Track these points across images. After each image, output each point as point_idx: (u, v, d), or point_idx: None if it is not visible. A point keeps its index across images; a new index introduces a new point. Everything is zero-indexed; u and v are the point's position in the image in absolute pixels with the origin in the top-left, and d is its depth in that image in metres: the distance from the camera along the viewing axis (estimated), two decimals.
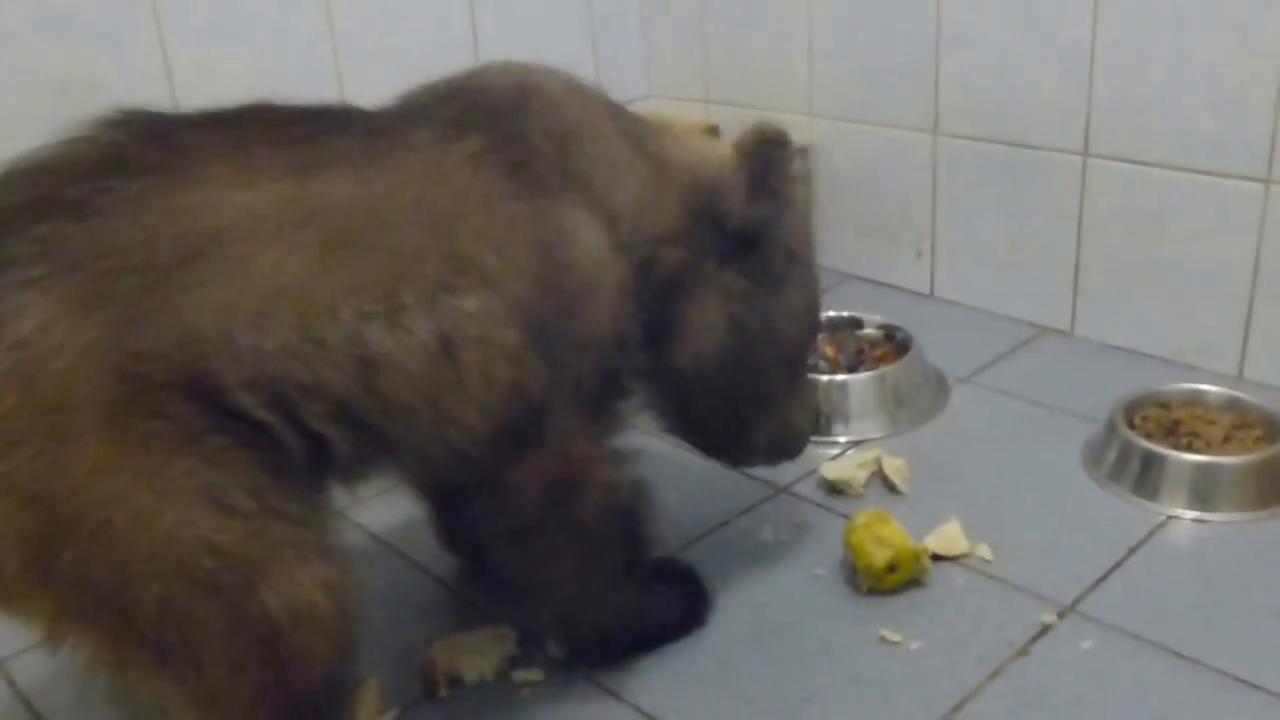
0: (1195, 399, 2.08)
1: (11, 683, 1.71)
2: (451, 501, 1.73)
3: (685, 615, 1.71)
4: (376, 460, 1.36)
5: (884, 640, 1.65)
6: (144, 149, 1.22)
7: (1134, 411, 2.05)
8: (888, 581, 1.72)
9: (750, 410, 1.71)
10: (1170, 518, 1.86)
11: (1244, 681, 1.52)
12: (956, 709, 1.51)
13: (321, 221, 1.23)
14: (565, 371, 1.42)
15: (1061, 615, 1.66)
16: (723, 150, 1.62)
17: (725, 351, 1.61)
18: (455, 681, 1.62)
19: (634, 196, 1.51)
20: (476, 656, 1.64)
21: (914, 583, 1.74)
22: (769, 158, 1.56)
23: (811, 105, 2.86)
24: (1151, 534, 1.82)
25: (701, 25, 3.05)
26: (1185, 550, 1.79)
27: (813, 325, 1.75)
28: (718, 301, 1.59)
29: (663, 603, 1.69)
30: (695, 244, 1.56)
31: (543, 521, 1.48)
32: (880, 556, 1.70)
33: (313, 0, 2.51)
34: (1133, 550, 1.79)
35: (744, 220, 1.57)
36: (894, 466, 2.03)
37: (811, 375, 1.83)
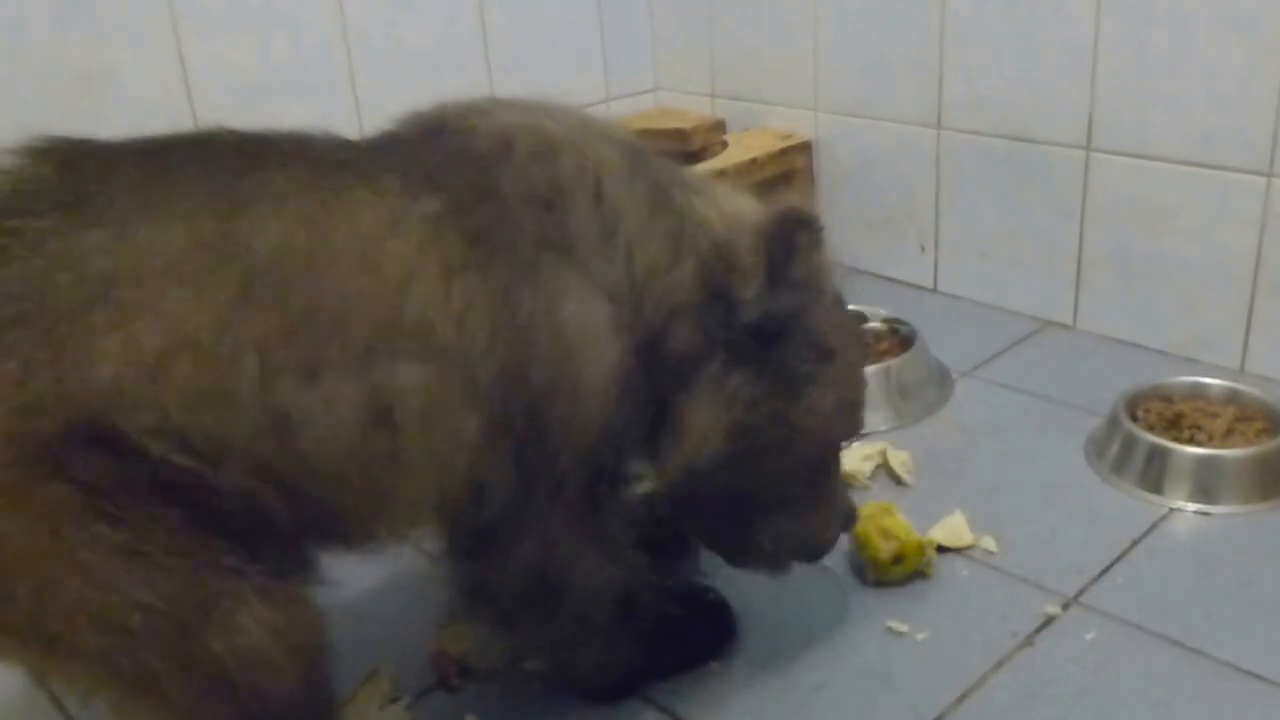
0: (1197, 392, 2.09)
1: (40, 680, 1.69)
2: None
3: (701, 651, 1.64)
4: (320, 525, 1.25)
5: (891, 631, 1.66)
6: (56, 185, 1.15)
7: (1136, 404, 2.06)
8: (893, 573, 1.73)
9: (757, 517, 1.55)
10: (1173, 510, 1.87)
11: (1246, 672, 1.53)
12: (962, 699, 1.53)
13: (242, 264, 1.14)
14: (544, 468, 1.32)
15: (1065, 606, 1.67)
16: (751, 211, 1.46)
17: (717, 462, 1.43)
18: (466, 670, 1.63)
19: (640, 264, 1.36)
20: (486, 645, 1.64)
21: (919, 575, 1.76)
22: (793, 243, 1.39)
23: (816, 100, 2.87)
24: (1154, 526, 1.84)
25: (708, 19, 3.06)
26: (1188, 542, 1.81)
27: (850, 423, 1.57)
28: (719, 410, 1.41)
29: (675, 643, 1.60)
30: (707, 333, 1.40)
31: (530, 617, 1.44)
32: (886, 548, 1.72)
33: None
34: (1136, 542, 1.80)
35: (762, 315, 1.40)
36: (899, 459, 2.04)
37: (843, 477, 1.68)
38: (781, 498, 1.54)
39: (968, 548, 1.82)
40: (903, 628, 1.66)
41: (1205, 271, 2.27)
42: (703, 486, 1.47)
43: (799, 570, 1.70)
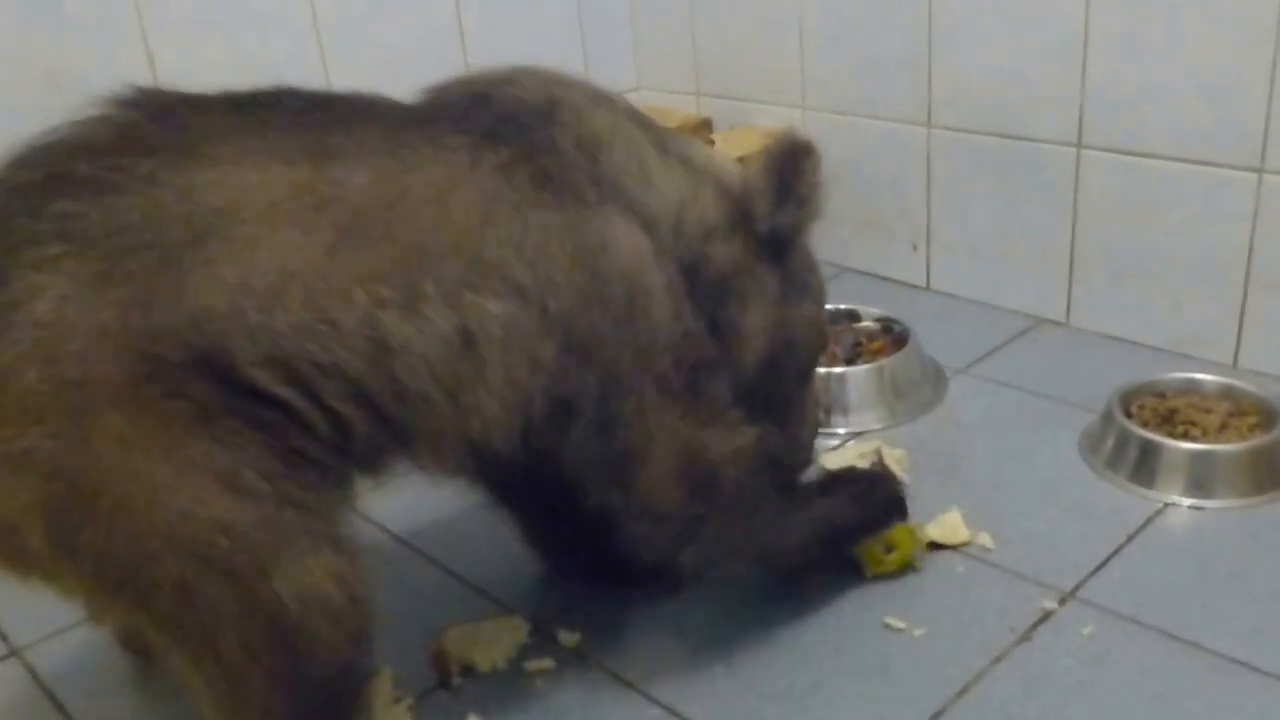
0: (1191, 387, 2.10)
1: (32, 671, 1.73)
2: (548, 510, 1.74)
3: (879, 506, 1.75)
4: (398, 446, 1.33)
5: (888, 627, 1.67)
6: (157, 128, 1.23)
7: (1130, 400, 2.07)
8: (887, 564, 1.75)
9: (769, 421, 1.68)
10: (1167, 505, 1.88)
11: (1242, 663, 1.54)
12: (961, 694, 1.53)
13: (338, 208, 1.23)
14: (645, 374, 1.44)
15: (1062, 601, 1.68)
16: (730, 163, 1.65)
17: (760, 360, 1.62)
18: (468, 670, 1.64)
19: (671, 199, 1.52)
20: (489, 646, 1.66)
21: (910, 568, 1.77)
22: (798, 165, 1.57)
23: (804, 98, 2.88)
24: (1149, 521, 1.84)
25: (691, 16, 3.06)
26: (1182, 536, 1.81)
27: (822, 338, 1.77)
28: (765, 306, 1.61)
29: (844, 501, 1.71)
30: (742, 244, 1.58)
31: (700, 515, 1.52)
32: (877, 540, 1.74)
33: None
34: (1131, 537, 1.81)
35: (772, 224, 1.58)
36: (894, 457, 2.05)
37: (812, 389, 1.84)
38: (779, 406, 1.72)
39: (964, 544, 1.82)
40: (900, 624, 1.67)
41: (1197, 267, 2.27)
42: (746, 392, 1.61)
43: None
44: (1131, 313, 2.41)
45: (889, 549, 1.74)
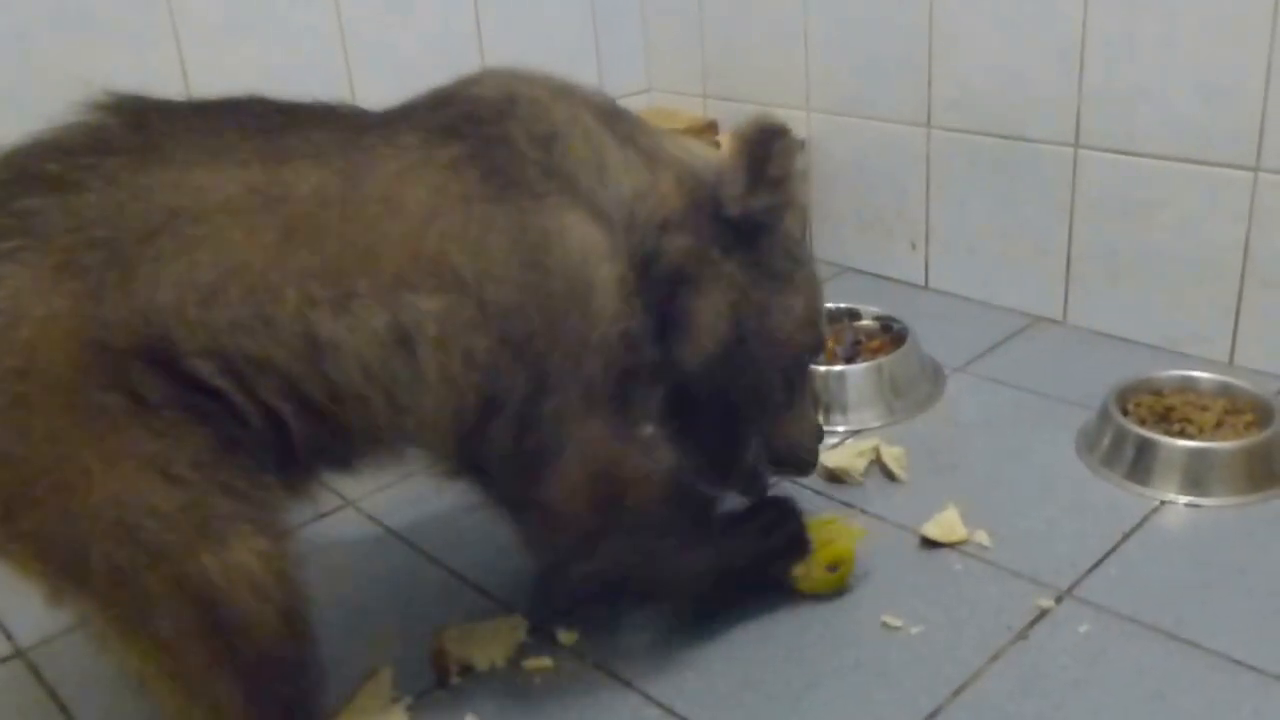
0: (1187, 385, 2.10)
1: (36, 672, 1.73)
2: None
3: (785, 544, 1.71)
4: (336, 442, 1.37)
5: (885, 625, 1.67)
6: (125, 131, 1.28)
7: (1127, 398, 2.08)
8: (827, 581, 1.74)
9: (747, 415, 1.71)
10: (1164, 502, 1.88)
11: (1238, 662, 1.54)
12: (958, 692, 1.54)
13: (285, 208, 1.28)
14: (572, 375, 1.43)
15: (1059, 600, 1.68)
16: (717, 152, 1.64)
17: (726, 348, 1.58)
18: (467, 669, 1.64)
19: (626, 190, 1.51)
20: (487, 644, 1.66)
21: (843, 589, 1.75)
22: (770, 147, 1.53)
23: (808, 99, 2.89)
24: (1146, 519, 1.85)
25: (700, 21, 3.07)
26: (1179, 534, 1.82)
27: (814, 335, 1.70)
28: (721, 292, 1.57)
29: (747, 538, 1.68)
30: (698, 232, 1.55)
31: (601, 527, 1.51)
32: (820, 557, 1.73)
33: None
34: (1127, 535, 1.81)
35: (743, 208, 1.55)
36: (892, 455, 2.06)
37: (810, 392, 1.80)
38: (762, 403, 1.70)
39: (961, 542, 1.83)
40: (897, 622, 1.67)
41: (1194, 266, 2.28)
42: (709, 383, 1.61)
43: None
44: (1128, 311, 2.41)
45: (833, 567, 1.73)
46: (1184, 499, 1.88)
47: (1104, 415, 2.03)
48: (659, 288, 1.53)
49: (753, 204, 1.55)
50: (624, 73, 3.16)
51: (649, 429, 1.57)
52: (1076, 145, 2.38)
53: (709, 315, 1.57)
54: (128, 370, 1.19)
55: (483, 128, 1.44)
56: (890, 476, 2.03)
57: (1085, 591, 1.70)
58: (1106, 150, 2.34)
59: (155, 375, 1.21)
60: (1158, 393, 2.10)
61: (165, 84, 2.24)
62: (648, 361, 1.53)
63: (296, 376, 1.27)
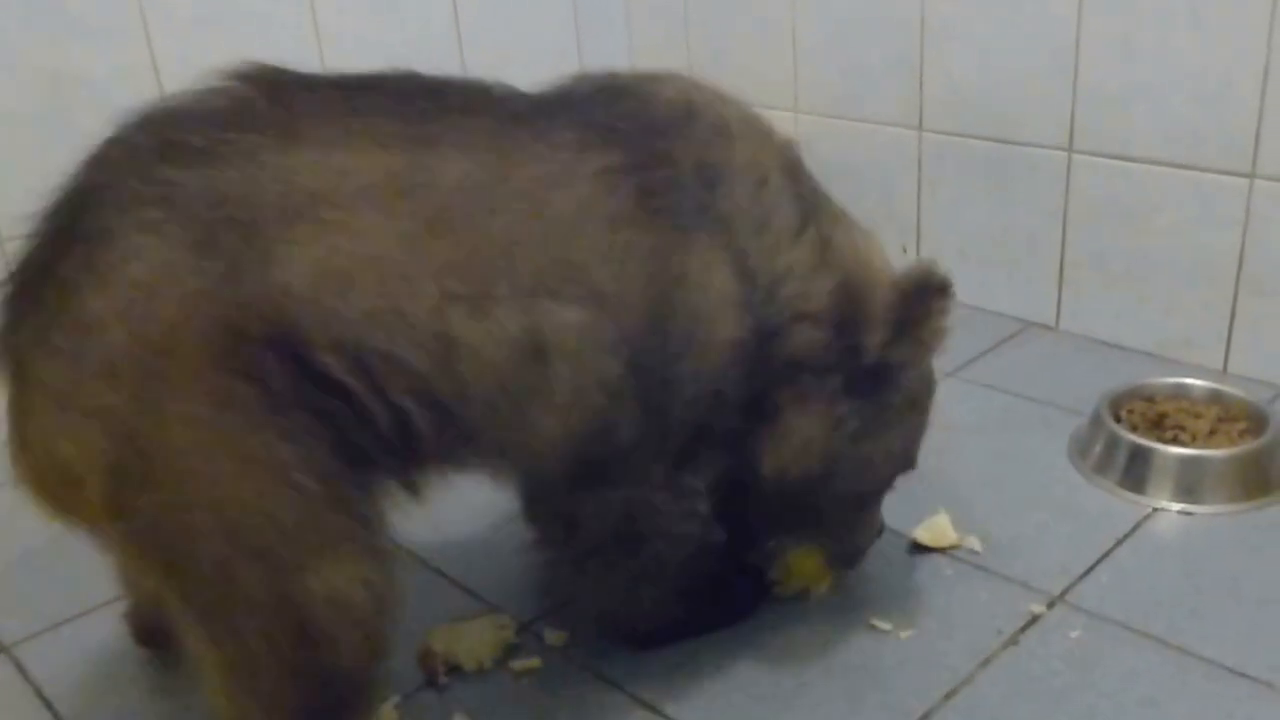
0: (1181, 392, 2.10)
1: (21, 669, 1.72)
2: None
3: (732, 612, 1.70)
4: (458, 449, 1.34)
5: (875, 629, 1.66)
6: (268, 106, 1.24)
7: (1120, 405, 2.07)
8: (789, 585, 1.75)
9: (804, 532, 1.68)
10: (1156, 510, 1.88)
11: (1229, 669, 1.54)
12: (948, 696, 1.53)
13: (426, 196, 1.24)
14: (660, 418, 1.40)
15: (1050, 605, 1.68)
16: (880, 259, 1.55)
17: (806, 479, 1.52)
18: (455, 669, 1.63)
19: (783, 260, 1.44)
20: (475, 645, 1.65)
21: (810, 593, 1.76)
22: (930, 307, 1.49)
23: (796, 100, 2.88)
24: (1138, 525, 1.85)
25: (685, 18, 3.06)
26: (1171, 541, 1.81)
27: (907, 464, 1.66)
28: (824, 426, 1.50)
29: (711, 602, 1.67)
30: (832, 344, 1.48)
31: (605, 554, 1.51)
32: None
33: None
34: (1120, 541, 1.81)
35: (882, 360, 1.50)
36: None
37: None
38: (832, 522, 1.66)
39: (953, 547, 1.82)
40: (887, 626, 1.67)
41: (1188, 272, 2.28)
42: (776, 495, 1.54)
43: None
44: (1121, 317, 2.41)
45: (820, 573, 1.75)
46: (1177, 506, 1.88)
47: (1096, 421, 2.03)
48: (769, 370, 1.46)
49: (893, 356, 1.51)
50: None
51: (697, 493, 1.51)
52: (1070, 150, 2.37)
53: (800, 439, 1.50)
54: (261, 360, 1.15)
55: (649, 139, 1.38)
56: None
57: (1077, 597, 1.69)
58: (1101, 155, 2.33)
59: (286, 368, 1.16)
60: (1151, 399, 2.09)
61: (137, 80, 2.28)
62: (726, 429, 1.48)
63: (427, 375, 1.22)
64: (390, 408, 1.22)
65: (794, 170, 1.51)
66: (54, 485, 1.20)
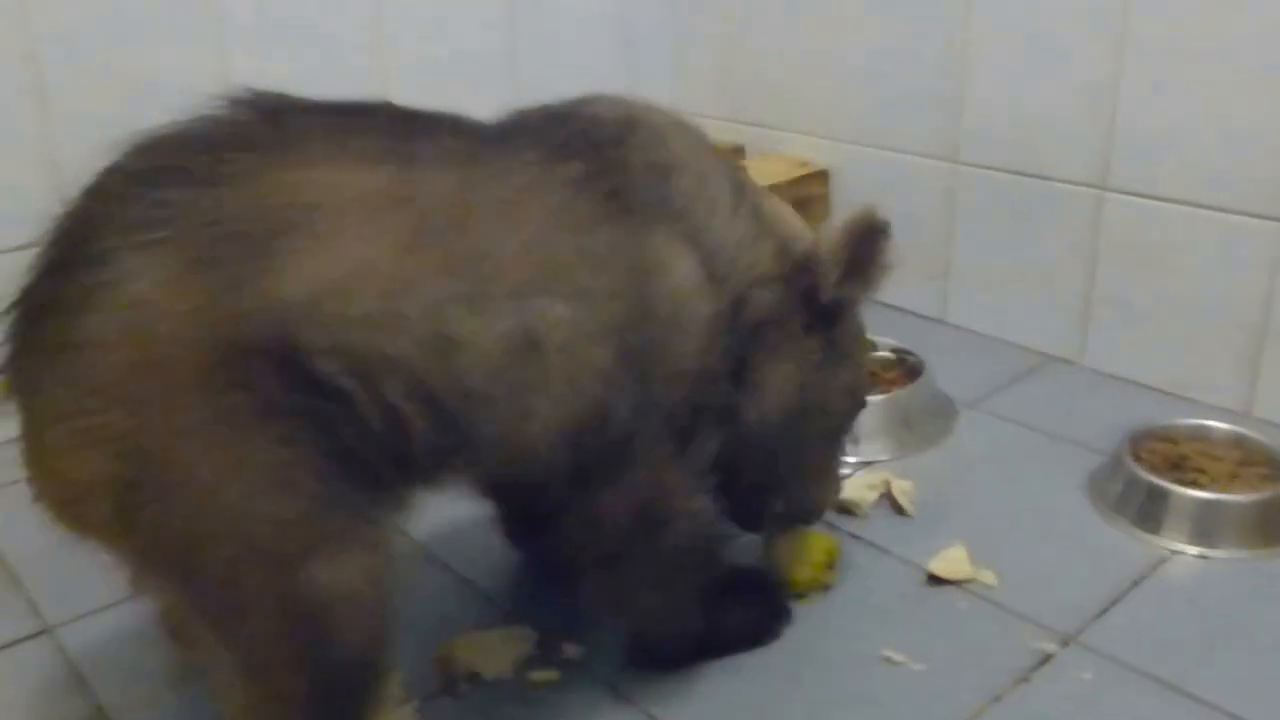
0: (1202, 434, 2.10)
1: (62, 650, 1.74)
2: (525, 504, 1.75)
3: (758, 628, 1.74)
4: (453, 450, 1.35)
5: (887, 660, 1.66)
6: (264, 128, 1.29)
7: (1140, 445, 2.07)
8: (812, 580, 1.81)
9: (786, 477, 1.76)
10: (1174, 553, 1.88)
11: (1240, 718, 1.54)
12: None
13: (417, 207, 1.28)
14: (657, 400, 1.47)
15: (1063, 645, 1.68)
16: (801, 224, 1.69)
17: (786, 416, 1.64)
18: (474, 677, 1.64)
19: (733, 235, 1.55)
20: (495, 654, 1.67)
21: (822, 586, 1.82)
22: (875, 245, 1.59)
23: (831, 128, 2.90)
24: (1155, 568, 1.85)
25: (729, 46, 3.09)
26: (1188, 586, 1.81)
27: (858, 402, 1.79)
28: (795, 366, 1.63)
29: (736, 617, 1.71)
30: (786, 302, 1.61)
31: (631, 548, 1.54)
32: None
33: (363, 12, 2.61)
34: (1135, 584, 1.81)
35: (837, 297, 1.61)
36: (902, 489, 2.05)
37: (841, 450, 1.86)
38: (808, 464, 1.76)
39: (967, 581, 1.83)
40: (899, 658, 1.67)
41: (1214, 314, 2.28)
42: (760, 444, 1.64)
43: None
44: (1144, 355, 2.42)
45: (828, 565, 1.81)
46: (1194, 550, 1.88)
47: (1116, 461, 2.03)
48: (740, 335, 1.57)
49: (845, 293, 1.62)
50: (653, 95, 3.12)
51: (702, 472, 1.58)
52: (1103, 188, 2.38)
53: (779, 382, 1.62)
54: (256, 369, 1.18)
55: (602, 150, 1.48)
56: (899, 511, 2.03)
57: (1091, 638, 1.69)
58: (1133, 194, 2.34)
59: (281, 376, 1.19)
60: (1172, 440, 2.09)
61: (209, 89, 2.32)
62: (719, 404, 1.57)
63: (424, 374, 1.26)
64: (386, 409, 1.26)
65: (720, 159, 1.63)
66: (67, 504, 1.24)
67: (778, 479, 1.75)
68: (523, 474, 1.44)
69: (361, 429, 1.25)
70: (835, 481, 1.87)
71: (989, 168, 2.59)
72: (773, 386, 1.62)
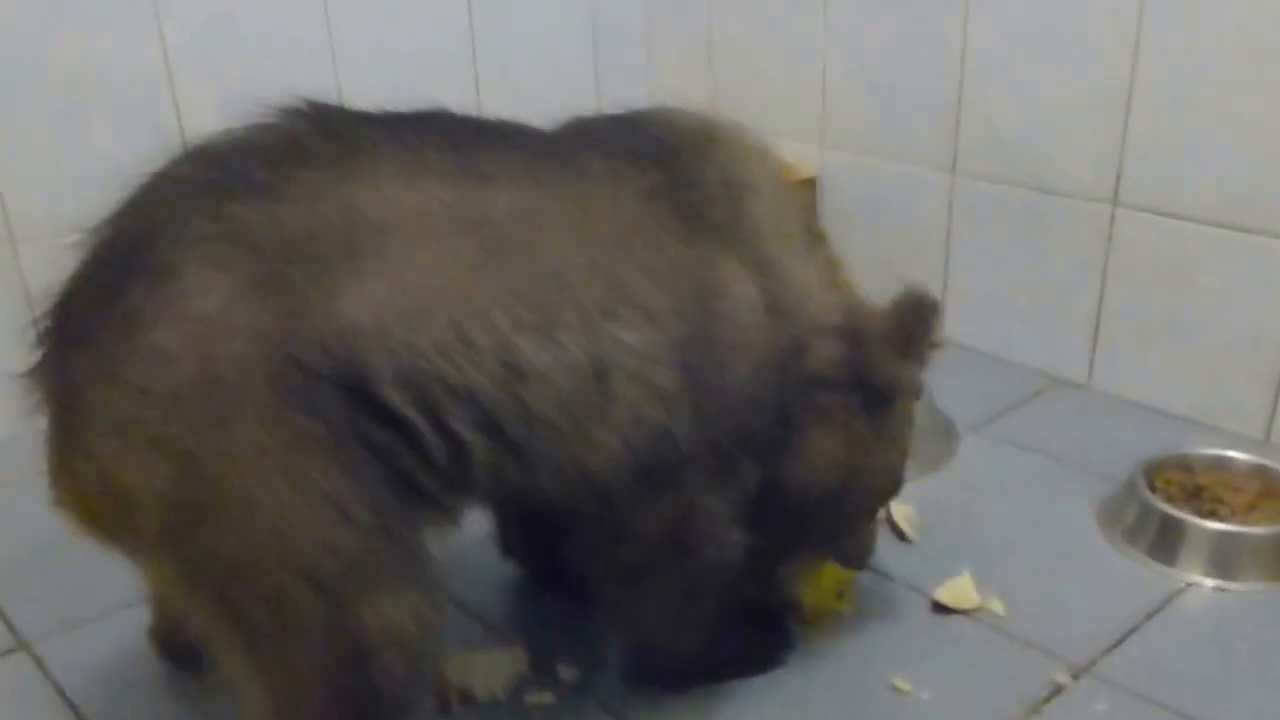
0: (1221, 464, 2.05)
1: (42, 667, 1.72)
2: (534, 517, 1.71)
3: (761, 656, 1.71)
4: (514, 478, 1.34)
5: (895, 689, 1.63)
6: (323, 141, 1.27)
7: (1155, 473, 2.02)
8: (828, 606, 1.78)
9: (814, 542, 1.72)
10: (1190, 584, 1.84)
11: None
12: None
13: (485, 229, 1.27)
14: (709, 425, 1.42)
15: (1076, 676, 1.65)
16: (858, 295, 1.64)
17: (824, 493, 1.59)
18: (467, 698, 1.63)
19: (803, 275, 1.52)
20: (489, 675, 1.65)
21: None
22: (926, 324, 1.57)
23: (823, 134, 2.83)
24: (1170, 599, 1.81)
25: (708, 39, 3.02)
26: (1204, 617, 1.78)
27: (899, 483, 1.72)
28: (843, 445, 1.58)
29: (742, 643, 1.69)
30: (844, 361, 1.55)
31: (657, 565, 1.51)
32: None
33: (311, 2, 2.56)
34: (1150, 615, 1.77)
35: (890, 378, 1.58)
36: (903, 513, 2.01)
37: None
38: (838, 533, 1.72)
39: (975, 610, 1.79)
40: (907, 687, 1.63)
41: (1232, 336, 2.23)
42: (795, 507, 1.60)
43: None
44: (1158, 379, 2.36)
45: (840, 594, 1.78)
46: (1211, 582, 1.84)
47: (1130, 489, 1.98)
48: (792, 382, 1.52)
49: (899, 376, 1.59)
50: (623, 92, 3.08)
51: (738, 501, 1.53)
52: (1115, 203, 2.33)
53: (824, 460, 1.58)
54: (321, 396, 1.17)
55: (679, 160, 1.45)
56: (900, 536, 1.99)
57: (1105, 669, 1.66)
58: (1147, 210, 2.28)
59: (346, 403, 1.19)
60: (1189, 469, 2.05)
61: (151, 84, 2.37)
62: (763, 439, 1.51)
63: (493, 405, 1.25)
64: (450, 439, 1.25)
65: (791, 188, 1.64)
66: (106, 512, 1.21)
67: (805, 541, 1.71)
68: (579, 499, 1.42)
69: (422, 458, 1.25)
70: (872, 538, 1.79)
71: (992, 180, 2.53)
72: (817, 461, 1.57)
